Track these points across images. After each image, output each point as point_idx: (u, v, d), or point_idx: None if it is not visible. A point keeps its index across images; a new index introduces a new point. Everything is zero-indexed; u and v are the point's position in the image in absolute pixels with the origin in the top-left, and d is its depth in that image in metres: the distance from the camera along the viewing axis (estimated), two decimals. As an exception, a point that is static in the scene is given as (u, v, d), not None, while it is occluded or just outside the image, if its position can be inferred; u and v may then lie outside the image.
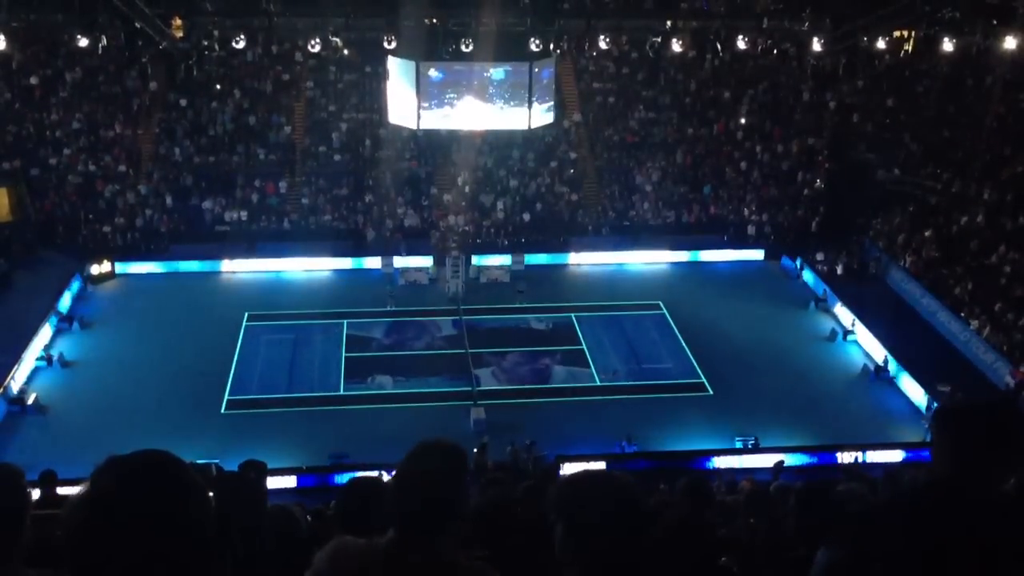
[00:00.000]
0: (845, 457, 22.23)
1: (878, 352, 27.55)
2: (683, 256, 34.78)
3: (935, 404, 23.84)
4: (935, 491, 2.60)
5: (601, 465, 20.97)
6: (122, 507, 1.76)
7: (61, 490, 9.82)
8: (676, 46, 35.70)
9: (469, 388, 25.45)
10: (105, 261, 32.19)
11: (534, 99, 28.31)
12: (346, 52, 36.70)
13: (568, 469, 21.08)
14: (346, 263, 33.62)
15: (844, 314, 30.03)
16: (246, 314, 29.65)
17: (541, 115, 29.46)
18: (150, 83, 37.19)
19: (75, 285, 30.78)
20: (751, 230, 35.92)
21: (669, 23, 36.95)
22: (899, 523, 2.50)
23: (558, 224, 35.78)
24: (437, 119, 29.05)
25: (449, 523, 2.70)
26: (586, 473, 2.81)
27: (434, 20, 30.85)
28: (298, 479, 20.87)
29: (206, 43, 35.55)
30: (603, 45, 36.78)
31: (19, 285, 30.63)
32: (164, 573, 1.76)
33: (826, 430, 23.78)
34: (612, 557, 2.62)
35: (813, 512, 4.72)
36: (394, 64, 28.62)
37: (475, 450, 21.46)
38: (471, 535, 4.93)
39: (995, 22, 31.95)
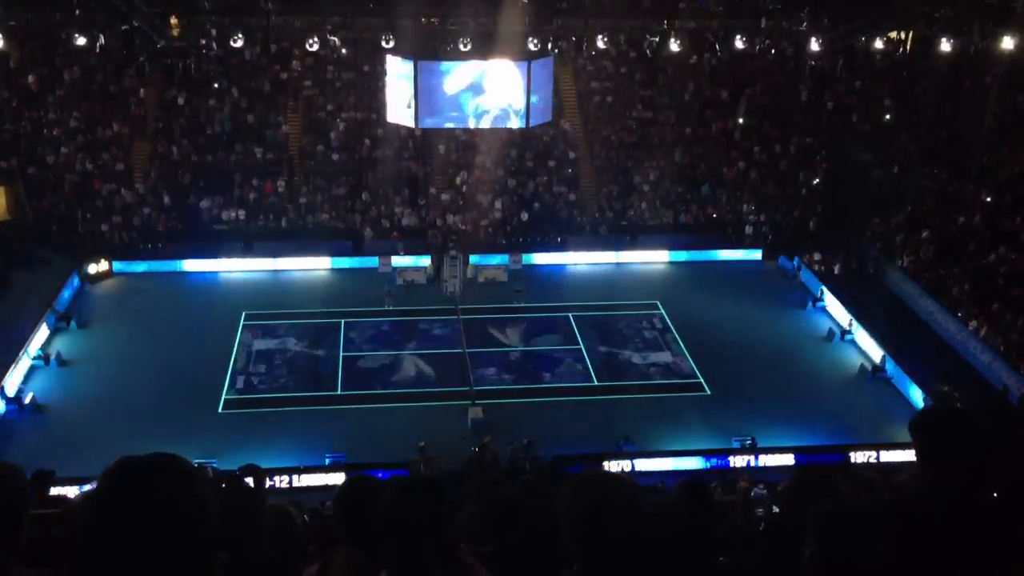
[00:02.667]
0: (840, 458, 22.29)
1: (875, 352, 27.58)
2: (681, 256, 34.82)
3: (931, 404, 23.88)
4: (924, 499, 2.60)
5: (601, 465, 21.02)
6: (129, 508, 1.76)
7: (57, 490, 9.80)
8: (674, 46, 35.66)
9: (467, 388, 25.44)
10: (102, 260, 32.17)
11: (532, 98, 28.30)
12: (344, 51, 36.66)
13: (565, 469, 21.15)
14: (344, 262, 33.61)
15: (842, 314, 30.04)
16: (243, 313, 29.63)
17: (539, 115, 29.46)
18: (147, 82, 37.14)
19: (72, 284, 30.74)
20: (749, 230, 35.94)
21: (667, 23, 36.93)
22: (887, 528, 2.49)
23: (556, 223, 35.79)
24: (435, 118, 29.04)
25: (435, 554, 2.76)
26: (589, 473, 2.83)
27: (432, 19, 30.83)
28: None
29: (204, 42, 35.49)
30: (601, 44, 36.74)
31: (16, 284, 30.58)
32: (168, 574, 1.76)
33: (823, 430, 23.81)
34: (612, 554, 2.63)
35: (811, 497, 4.75)
36: (392, 63, 28.60)
37: (475, 449, 21.49)
38: (476, 531, 4.94)
39: (993, 22, 31.94)
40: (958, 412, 2.82)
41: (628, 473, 20.55)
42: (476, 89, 28.33)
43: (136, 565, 1.73)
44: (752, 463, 22.22)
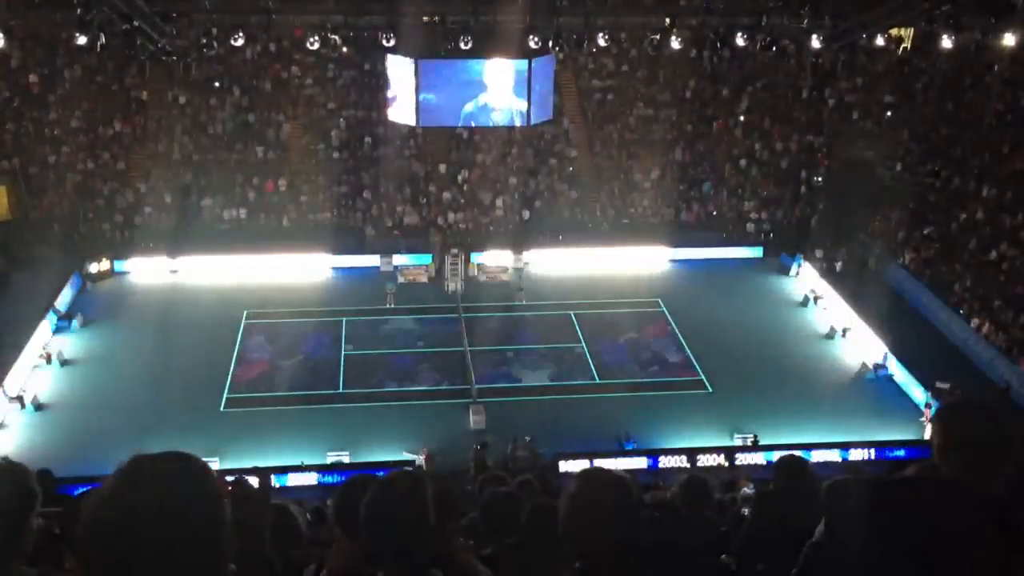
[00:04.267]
0: (839, 455, 22.30)
1: (877, 349, 27.56)
2: (682, 253, 34.79)
3: (934, 401, 23.87)
4: (933, 479, 2.60)
5: (600, 463, 21.04)
6: (144, 506, 1.76)
7: (60, 488, 9.82)
8: (675, 43, 35.62)
9: (468, 386, 25.44)
10: (104, 259, 32.20)
11: (533, 96, 28.29)
12: (345, 50, 36.66)
13: (567, 467, 21.18)
14: (345, 261, 33.61)
15: (843, 311, 30.03)
16: (245, 312, 29.66)
17: (540, 112, 29.45)
18: (149, 81, 37.16)
19: (74, 283, 30.77)
20: (750, 227, 35.93)
21: (668, 20, 36.88)
22: (892, 505, 2.48)
23: (557, 222, 35.77)
24: (436, 117, 29.04)
25: (432, 553, 2.72)
26: (589, 471, 2.83)
27: (433, 17, 30.81)
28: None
29: (205, 41, 35.49)
30: (602, 42, 36.66)
31: (18, 284, 30.59)
32: (177, 571, 1.76)
33: (825, 427, 23.79)
34: (612, 553, 2.63)
35: (789, 476, 4.83)
36: (393, 61, 28.61)
37: (476, 447, 21.51)
38: (476, 531, 4.95)
39: (994, 19, 31.89)
40: (984, 406, 2.82)
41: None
42: (477, 87, 28.33)
43: (149, 564, 1.73)
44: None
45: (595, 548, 2.69)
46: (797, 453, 6.23)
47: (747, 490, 14.46)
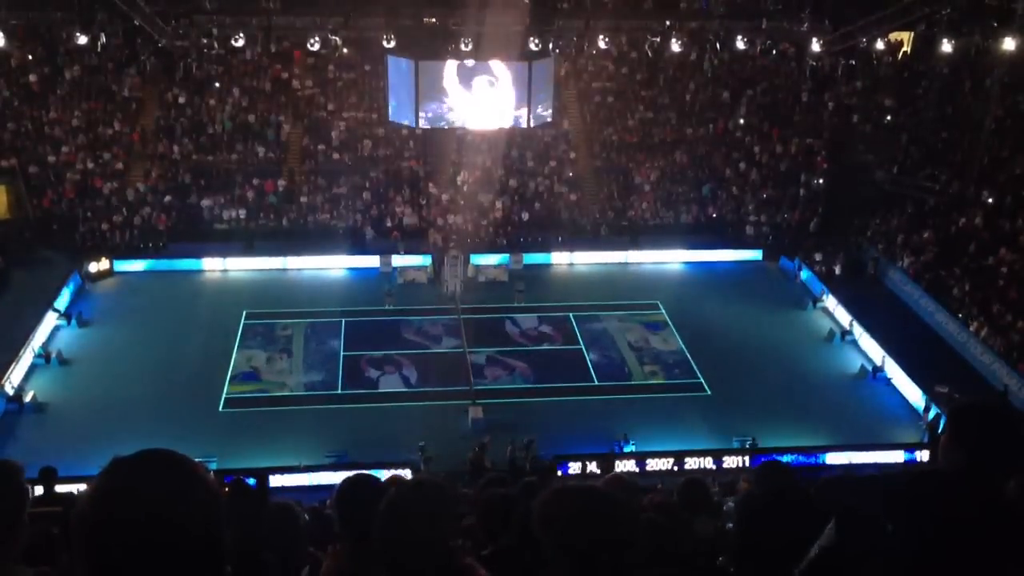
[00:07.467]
0: (841, 458, 22.29)
1: (876, 353, 27.56)
2: (681, 256, 34.80)
3: (933, 405, 23.88)
4: (940, 479, 2.60)
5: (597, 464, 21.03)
6: (133, 505, 1.74)
7: (60, 487, 9.81)
8: (675, 46, 35.71)
9: (467, 387, 25.43)
10: (103, 259, 32.17)
11: (533, 98, 28.32)
12: (345, 51, 36.72)
13: (565, 468, 21.19)
14: (344, 262, 33.61)
15: (842, 315, 30.04)
16: (244, 312, 29.64)
17: (540, 115, 29.48)
18: (149, 81, 37.17)
19: (73, 283, 30.75)
20: (750, 230, 35.93)
21: (668, 23, 36.96)
22: (901, 504, 2.48)
23: (557, 223, 35.78)
24: (436, 118, 29.07)
25: (433, 556, 2.71)
26: (565, 490, 2.75)
27: (433, 19, 30.87)
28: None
29: (205, 41, 35.54)
30: (602, 45, 36.79)
31: (17, 283, 30.61)
32: (172, 572, 1.74)
33: (823, 430, 23.81)
34: (597, 567, 2.60)
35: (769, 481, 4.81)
36: (393, 63, 28.64)
37: (476, 448, 21.49)
38: (475, 532, 4.95)
39: (994, 23, 31.99)
40: (998, 408, 2.82)
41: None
42: (476, 89, 28.35)
43: (143, 563, 1.71)
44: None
45: (571, 556, 2.66)
46: (782, 459, 6.23)
47: (731, 503, 14.41)
